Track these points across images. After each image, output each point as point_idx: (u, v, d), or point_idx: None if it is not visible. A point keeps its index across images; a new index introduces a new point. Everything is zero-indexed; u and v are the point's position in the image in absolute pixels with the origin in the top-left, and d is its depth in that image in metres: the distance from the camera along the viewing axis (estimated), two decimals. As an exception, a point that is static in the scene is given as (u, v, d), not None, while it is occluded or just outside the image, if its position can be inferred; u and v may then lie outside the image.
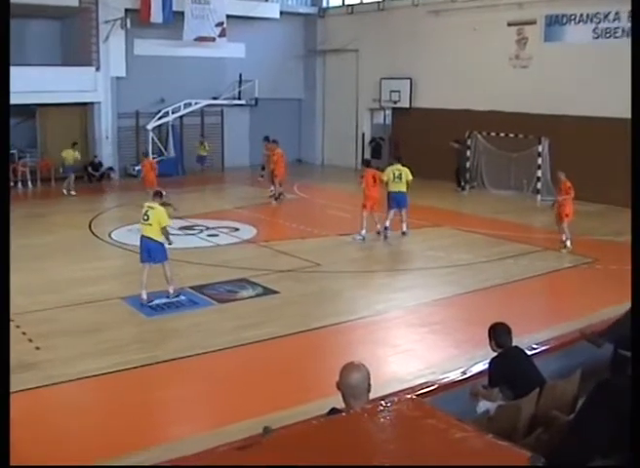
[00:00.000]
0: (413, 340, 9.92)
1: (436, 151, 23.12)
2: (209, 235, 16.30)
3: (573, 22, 20.49)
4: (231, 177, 25.98)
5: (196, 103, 25.71)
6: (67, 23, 24.92)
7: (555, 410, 5.03)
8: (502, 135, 21.49)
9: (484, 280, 12.57)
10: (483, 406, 5.29)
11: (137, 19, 23.82)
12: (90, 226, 17.06)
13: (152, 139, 25.34)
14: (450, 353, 9.25)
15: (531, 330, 8.98)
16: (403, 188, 15.68)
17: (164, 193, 11.77)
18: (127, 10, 23.86)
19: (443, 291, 12.01)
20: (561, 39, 20.82)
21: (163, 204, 11.63)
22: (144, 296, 11.03)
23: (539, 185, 20.53)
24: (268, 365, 8.93)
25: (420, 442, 2.82)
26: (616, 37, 19.34)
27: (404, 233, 15.85)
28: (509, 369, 5.59)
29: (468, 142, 22.58)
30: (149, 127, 25.10)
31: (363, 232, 15.32)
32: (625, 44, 16.62)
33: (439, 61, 23.88)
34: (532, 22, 21.42)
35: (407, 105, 25.15)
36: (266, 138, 22.00)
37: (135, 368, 8.70)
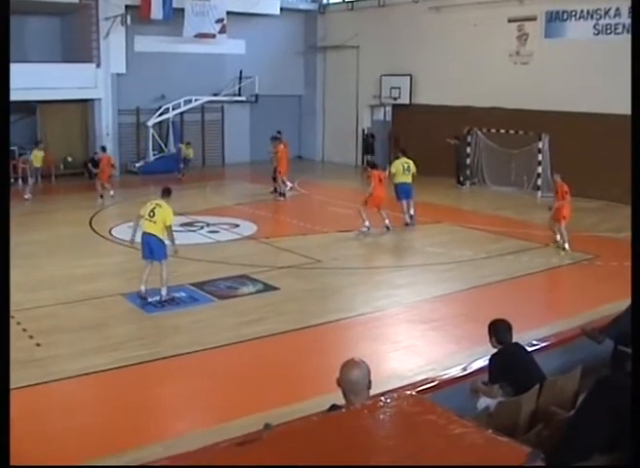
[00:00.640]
0: (413, 337, 9.92)
1: (436, 147, 23.11)
2: (209, 231, 16.29)
3: (573, 19, 20.46)
4: (232, 174, 25.99)
5: (196, 100, 25.70)
6: (68, 20, 24.91)
7: (555, 407, 5.04)
8: (503, 131, 21.47)
9: (484, 276, 12.56)
10: (483, 402, 5.30)
11: (137, 16, 23.83)
12: (90, 223, 17.06)
13: (153, 136, 25.36)
14: (450, 349, 9.25)
15: (531, 326, 8.99)
16: (410, 180, 16.66)
17: (172, 191, 11.68)
18: (127, 6, 23.88)
19: (443, 287, 12.01)
20: (562, 35, 20.79)
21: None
22: (142, 289, 11.08)
23: (539, 182, 20.52)
24: (269, 361, 8.93)
25: (421, 438, 2.82)
26: (616, 33, 19.31)
27: (411, 220, 16.56)
28: (510, 365, 5.59)
29: (468, 139, 22.58)
30: (150, 123, 25.12)
31: (367, 223, 15.53)
32: (626, 40, 16.59)
33: (439, 58, 23.85)
34: (532, 19, 21.39)
35: (407, 102, 25.12)
36: (274, 138, 21.37)
37: (135, 364, 8.70)
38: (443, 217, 17.58)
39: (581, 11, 20.18)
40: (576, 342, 6.56)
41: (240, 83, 26.77)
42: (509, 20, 21.93)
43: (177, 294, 11.32)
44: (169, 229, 11.02)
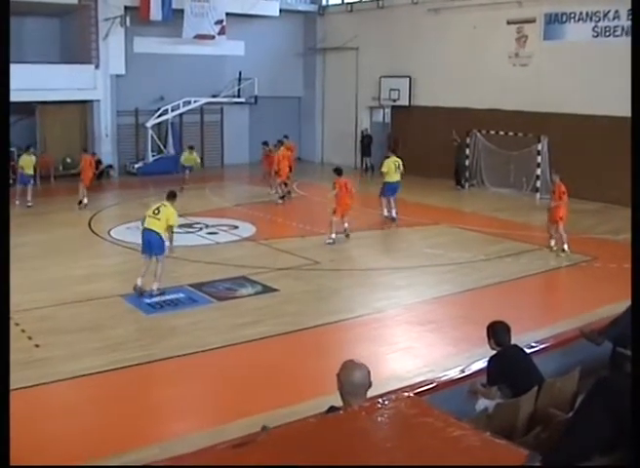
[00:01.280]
0: (411, 338, 9.92)
1: (435, 149, 23.13)
2: (208, 233, 16.29)
3: (572, 21, 20.48)
4: (231, 175, 25.98)
5: (195, 101, 25.71)
6: (67, 21, 24.92)
7: (554, 408, 5.04)
8: (502, 133, 21.48)
9: (483, 278, 12.57)
10: (482, 404, 5.29)
11: (136, 17, 23.82)
12: (89, 224, 17.06)
13: (152, 137, 25.35)
14: (448, 351, 9.25)
15: (530, 328, 8.98)
16: (399, 178, 17.32)
17: (178, 194, 11.89)
18: (126, 7, 23.88)
19: (442, 289, 12.01)
20: (561, 37, 20.81)
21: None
22: (139, 283, 11.20)
23: (538, 184, 20.53)
24: (267, 363, 8.92)
25: (418, 440, 2.82)
26: (615, 36, 19.33)
27: (394, 219, 16.98)
28: (508, 367, 5.59)
29: (468, 141, 22.58)
30: (149, 124, 25.12)
31: (333, 236, 15.06)
32: (625, 42, 16.65)
33: (439, 60, 23.86)
34: (531, 21, 21.41)
35: (406, 103, 25.13)
36: (279, 142, 21.46)
37: (133, 365, 8.69)
38: (442, 219, 17.58)
39: (580, 13, 20.20)
40: (574, 344, 6.55)
41: (239, 84, 26.77)
42: (508, 22, 21.95)
43: (175, 296, 11.34)
44: (170, 229, 11.34)
